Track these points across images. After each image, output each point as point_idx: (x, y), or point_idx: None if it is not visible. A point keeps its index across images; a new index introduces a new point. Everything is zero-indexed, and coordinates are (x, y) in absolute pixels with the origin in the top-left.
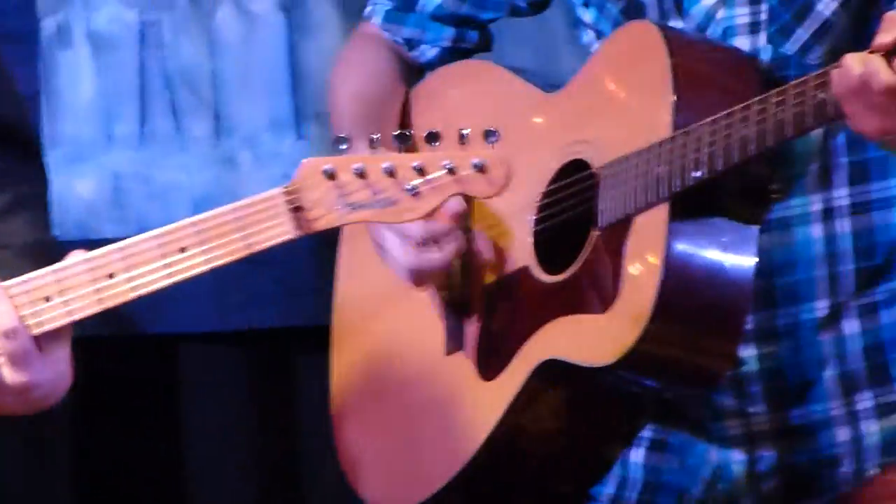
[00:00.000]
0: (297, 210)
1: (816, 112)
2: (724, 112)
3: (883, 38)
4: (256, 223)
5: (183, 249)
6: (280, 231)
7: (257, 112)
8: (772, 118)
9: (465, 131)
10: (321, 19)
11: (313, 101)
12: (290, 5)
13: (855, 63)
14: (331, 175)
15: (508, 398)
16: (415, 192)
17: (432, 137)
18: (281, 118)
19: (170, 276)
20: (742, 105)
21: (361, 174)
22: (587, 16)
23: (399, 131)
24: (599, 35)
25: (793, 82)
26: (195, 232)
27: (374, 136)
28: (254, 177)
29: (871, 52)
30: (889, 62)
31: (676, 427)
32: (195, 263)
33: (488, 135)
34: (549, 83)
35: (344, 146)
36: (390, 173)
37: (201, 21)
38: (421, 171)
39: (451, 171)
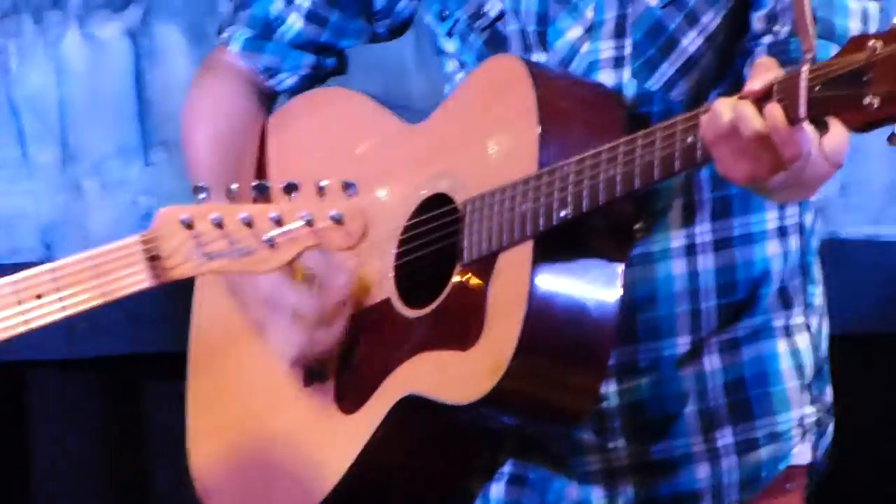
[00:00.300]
0: (153, 259)
1: (685, 155)
2: (592, 152)
3: (753, 84)
4: (113, 271)
5: (39, 296)
6: (136, 280)
7: (104, 139)
8: (640, 160)
9: (323, 183)
10: (168, 46)
11: (160, 127)
12: (137, 32)
13: (725, 109)
14: (188, 224)
15: (368, 432)
16: (272, 243)
17: (291, 188)
18: (128, 145)
19: (26, 322)
20: (609, 145)
21: (219, 224)
22: (450, 46)
23: (258, 182)
24: (462, 65)
25: (661, 124)
26: (51, 279)
27: (232, 186)
28: (101, 204)
29: (742, 98)
30: (759, 109)
31: (536, 462)
32: (51, 311)
33: (347, 186)
34: (399, 108)
35: (203, 195)
36: (248, 223)
37: (47, 48)
38: (278, 222)
39: (309, 223)
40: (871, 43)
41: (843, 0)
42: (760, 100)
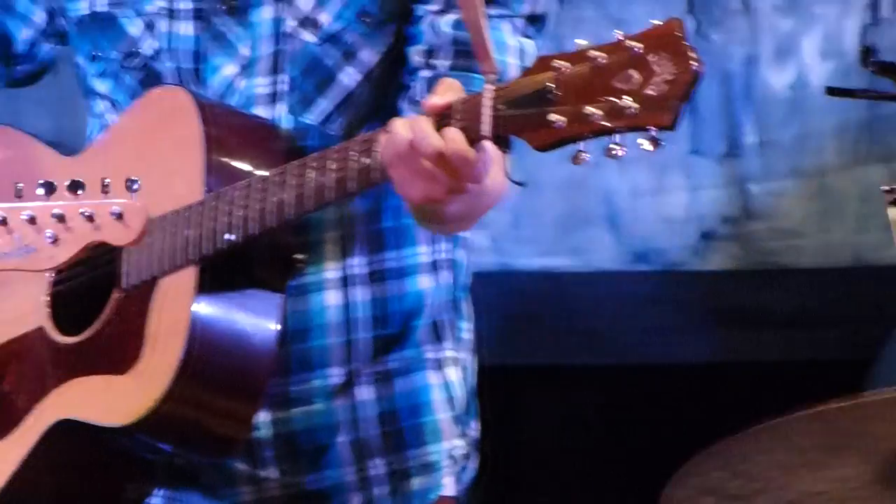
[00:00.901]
0: None
1: (360, 177)
2: (261, 176)
3: (436, 101)
4: None
5: None
6: None
7: None
8: (311, 182)
9: (107, 180)
10: None
11: None
12: None
13: (403, 128)
14: None
15: (17, 459)
16: (54, 240)
17: (76, 186)
18: None
19: None
20: (277, 170)
21: (3, 222)
22: (102, 86)
23: (44, 180)
24: (115, 104)
25: (333, 147)
26: None
27: (19, 185)
28: None
29: (425, 115)
30: (438, 127)
31: (188, 490)
32: None
33: (130, 183)
34: (60, 145)
35: None
36: (31, 221)
37: None
38: (61, 219)
39: (90, 219)
40: (556, 63)
41: (501, 36)
42: (441, 120)
